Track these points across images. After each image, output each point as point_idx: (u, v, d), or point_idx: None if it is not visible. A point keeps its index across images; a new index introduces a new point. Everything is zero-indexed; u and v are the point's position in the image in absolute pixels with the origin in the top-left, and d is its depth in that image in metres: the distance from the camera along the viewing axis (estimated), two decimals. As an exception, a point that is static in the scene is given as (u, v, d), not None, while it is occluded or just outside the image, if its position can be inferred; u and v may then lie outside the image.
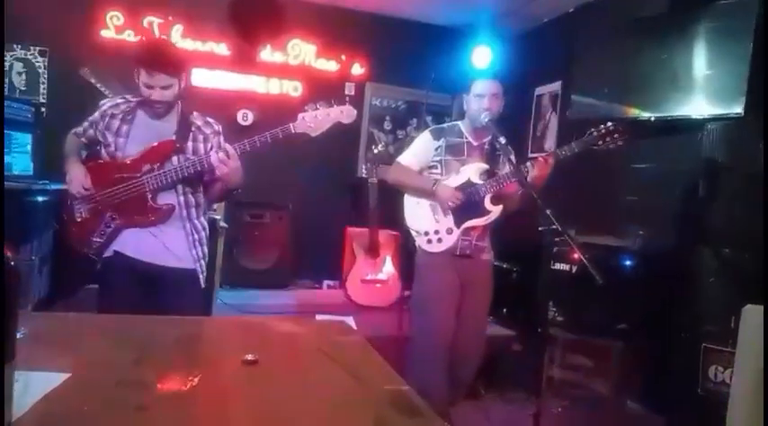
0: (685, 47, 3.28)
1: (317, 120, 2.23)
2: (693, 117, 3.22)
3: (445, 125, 3.01)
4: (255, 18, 4.66)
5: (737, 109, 2.97)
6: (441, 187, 2.80)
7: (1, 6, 2.63)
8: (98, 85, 4.07)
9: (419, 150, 2.94)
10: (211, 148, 2.30)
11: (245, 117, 4.64)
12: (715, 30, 3.16)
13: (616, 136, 2.66)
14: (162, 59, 2.19)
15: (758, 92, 2.88)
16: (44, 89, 4.24)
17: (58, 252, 3.34)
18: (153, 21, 4.44)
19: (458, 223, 2.82)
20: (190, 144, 2.31)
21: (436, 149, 2.89)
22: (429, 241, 2.85)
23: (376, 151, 4.53)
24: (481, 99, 2.79)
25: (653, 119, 3.44)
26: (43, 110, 4.13)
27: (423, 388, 2.68)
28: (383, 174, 4.13)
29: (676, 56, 3.32)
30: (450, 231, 2.82)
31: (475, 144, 2.90)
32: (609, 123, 2.69)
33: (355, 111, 2.29)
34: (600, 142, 2.67)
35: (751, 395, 1.43)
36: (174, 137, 2.28)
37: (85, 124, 2.38)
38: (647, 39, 3.51)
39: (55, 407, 1.02)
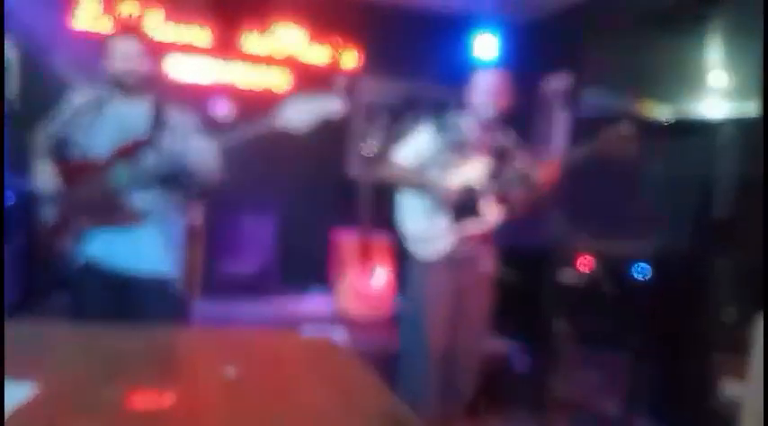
0: (701, 42, 3.30)
1: (300, 116, 2.22)
2: (708, 117, 3.25)
3: (447, 118, 2.95)
4: (240, 1, 4.67)
5: (755, 109, 3.01)
6: (435, 184, 2.79)
7: (0, 6, 2.63)
8: (71, 76, 4.08)
9: (417, 145, 2.91)
10: (187, 146, 2.30)
11: (225, 109, 4.64)
12: (733, 24, 3.18)
13: (628, 142, 2.69)
14: (130, 26, 2.25)
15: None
16: (16, 83, 4.22)
17: (29, 257, 3.35)
18: (128, 7, 4.44)
19: (454, 229, 2.82)
20: (165, 140, 2.30)
21: (435, 145, 2.85)
22: (423, 247, 2.85)
23: (369, 148, 4.53)
24: (484, 92, 2.79)
25: (666, 119, 3.47)
26: (15, 104, 4.10)
27: (413, 403, 2.71)
28: (377, 172, 4.15)
29: (692, 51, 3.35)
30: (445, 236, 2.82)
31: (479, 141, 2.88)
32: (621, 127, 2.70)
33: (343, 105, 2.30)
34: (610, 148, 2.70)
35: (763, 405, 1.47)
36: (147, 134, 2.29)
37: (55, 122, 2.39)
38: (661, 33, 3.53)
39: (23, 422, 1.05)
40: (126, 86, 2.29)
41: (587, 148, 2.70)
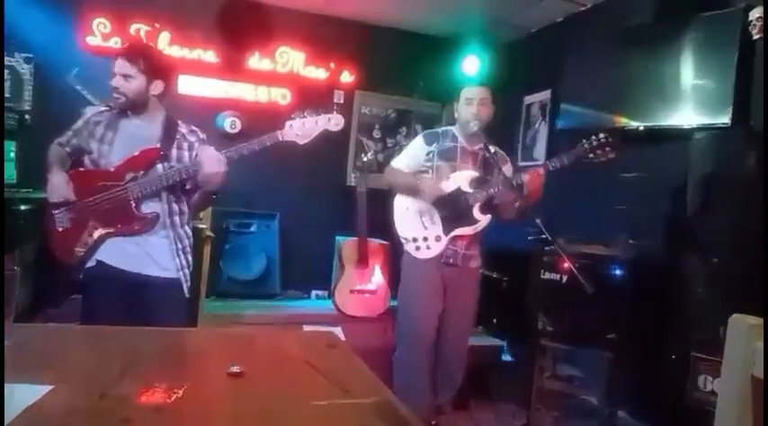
0: (673, 57, 3.33)
1: (304, 128, 2.25)
2: (681, 126, 3.27)
3: (439, 130, 3.04)
4: (244, 25, 4.68)
5: (724, 118, 3.02)
6: (424, 181, 2.85)
7: (0, 8, 2.60)
8: (84, 92, 4.06)
9: (411, 153, 3.01)
10: (196, 156, 2.30)
11: (233, 124, 4.63)
12: (702, 40, 3.21)
13: (607, 149, 2.68)
14: (128, 47, 2.22)
15: (744, 102, 2.93)
16: (29, 96, 4.21)
17: (42, 262, 3.31)
18: (140, 28, 4.43)
19: (446, 231, 2.85)
20: (174, 151, 2.31)
21: (428, 154, 2.93)
22: (417, 247, 2.88)
23: (365, 159, 4.54)
24: (470, 104, 2.84)
25: (641, 128, 3.48)
26: (27, 117, 4.10)
27: (407, 392, 2.72)
28: (374, 182, 4.15)
29: (664, 66, 3.37)
30: (438, 238, 2.86)
31: (469, 149, 2.94)
32: (601, 135, 2.71)
33: (343, 119, 2.32)
34: (591, 155, 2.69)
35: (738, 405, 1.45)
36: (158, 145, 2.28)
37: (69, 133, 2.38)
38: (634, 49, 3.56)
39: (37, 420, 1.02)
40: (130, 104, 2.26)
41: (570, 155, 2.70)
